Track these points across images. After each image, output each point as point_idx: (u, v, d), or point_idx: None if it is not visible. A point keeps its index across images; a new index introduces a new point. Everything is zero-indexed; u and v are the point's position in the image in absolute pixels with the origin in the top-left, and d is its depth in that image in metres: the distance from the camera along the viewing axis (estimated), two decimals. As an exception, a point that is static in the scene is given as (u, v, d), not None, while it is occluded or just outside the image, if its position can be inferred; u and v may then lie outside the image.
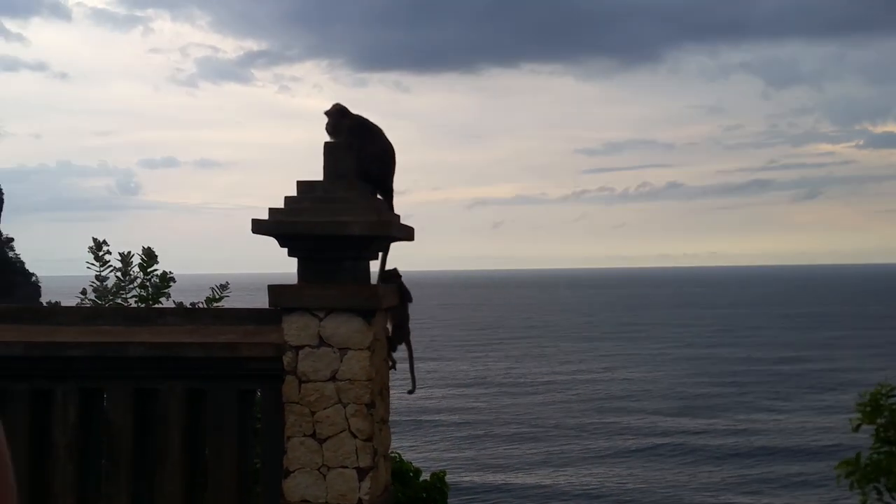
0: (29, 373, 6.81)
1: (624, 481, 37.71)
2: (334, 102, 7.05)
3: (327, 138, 6.81)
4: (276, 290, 6.58)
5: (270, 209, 6.51)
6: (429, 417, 52.41)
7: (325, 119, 6.90)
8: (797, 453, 42.78)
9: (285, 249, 6.68)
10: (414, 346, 7.36)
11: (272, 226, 6.44)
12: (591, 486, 36.88)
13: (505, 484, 37.20)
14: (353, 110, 6.98)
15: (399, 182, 7.16)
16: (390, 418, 7.38)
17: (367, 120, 7.01)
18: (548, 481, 37.68)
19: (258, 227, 6.44)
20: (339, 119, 6.90)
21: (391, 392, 7.31)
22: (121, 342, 6.69)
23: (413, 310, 7.41)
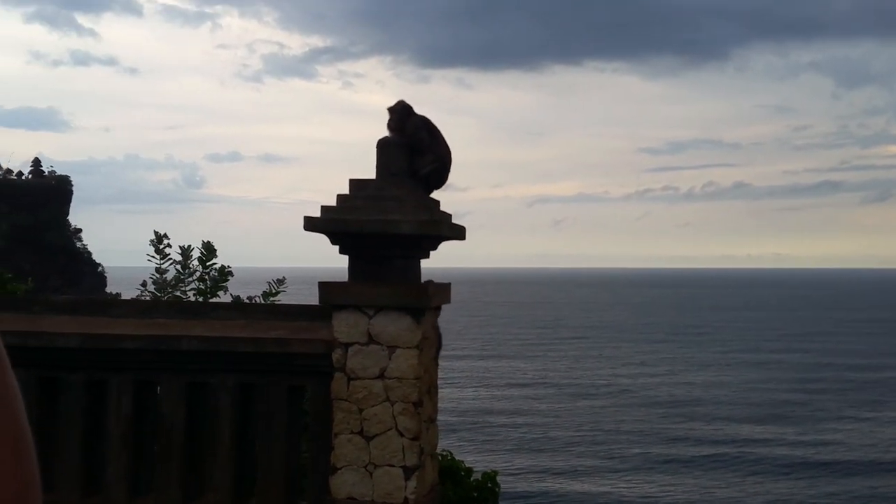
0: (85, 364, 6.94)
1: (688, 490, 36.74)
2: (398, 99, 7.05)
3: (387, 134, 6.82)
4: (326, 287, 6.61)
5: (322, 207, 6.54)
6: (485, 418, 51.69)
7: (388, 115, 6.92)
8: (870, 466, 40.83)
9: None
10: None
11: (323, 223, 6.47)
12: (652, 495, 35.94)
13: (560, 489, 36.64)
14: (416, 106, 6.98)
15: (460, 179, 7.19)
16: (440, 417, 7.38)
17: (429, 120, 7.02)
18: (606, 488, 36.94)
19: (310, 224, 6.48)
20: (404, 117, 6.90)
21: (440, 391, 7.31)
22: (174, 335, 6.79)
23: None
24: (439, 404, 7.47)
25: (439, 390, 7.45)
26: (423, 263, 6.92)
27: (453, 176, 7.15)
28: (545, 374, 72.83)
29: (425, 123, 6.90)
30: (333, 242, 6.62)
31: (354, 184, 6.63)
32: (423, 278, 6.86)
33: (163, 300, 9.41)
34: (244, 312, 7.15)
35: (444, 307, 7.29)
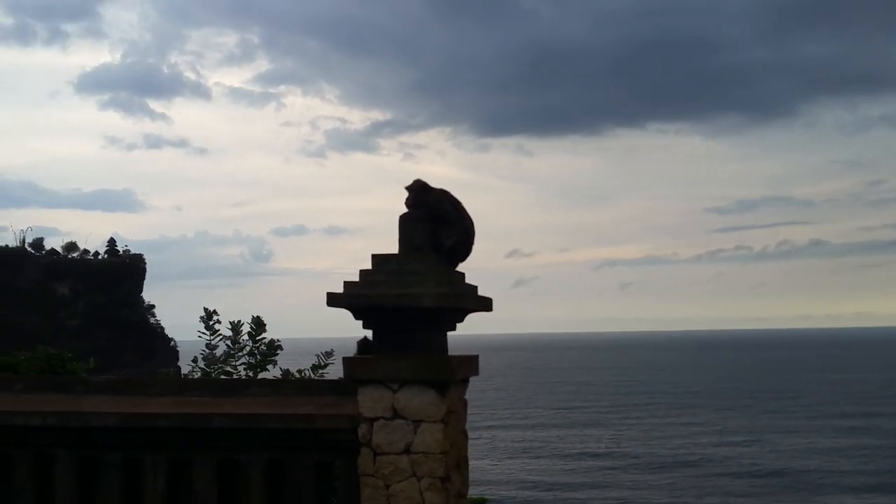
0: (121, 443, 7.08)
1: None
2: (416, 178, 7.16)
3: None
4: (350, 363, 6.68)
5: (345, 282, 6.64)
6: (564, 494, 49.51)
7: (406, 194, 7.04)
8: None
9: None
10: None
11: (345, 299, 6.56)
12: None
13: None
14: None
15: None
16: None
17: (450, 193, 7.11)
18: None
19: (332, 300, 6.57)
20: (421, 194, 7.02)
21: (471, 463, 7.28)
22: (206, 413, 6.90)
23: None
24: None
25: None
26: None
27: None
28: (620, 442, 70.44)
29: (447, 196, 6.99)
30: (357, 317, 6.70)
31: (377, 259, 6.72)
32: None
33: (195, 378, 9.56)
34: (274, 389, 7.25)
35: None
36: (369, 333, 6.87)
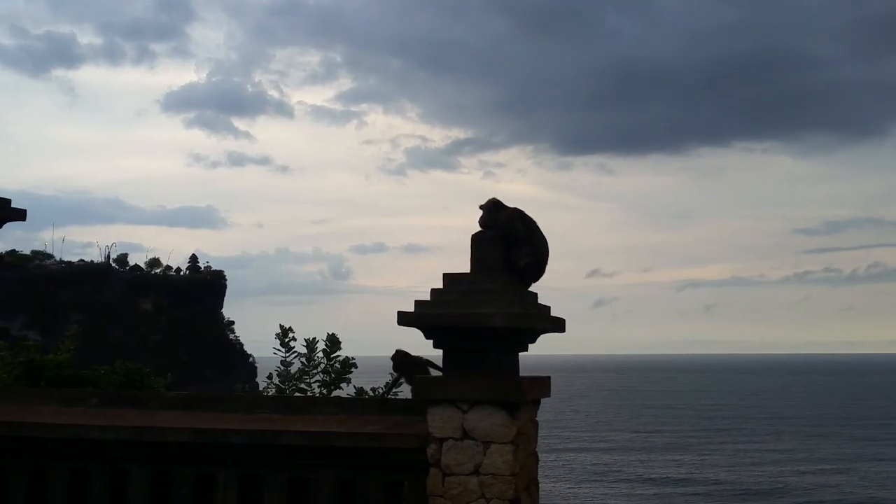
0: (194, 458, 7.13)
1: None
2: (490, 197, 7.11)
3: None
4: (420, 382, 6.63)
5: (416, 301, 6.60)
6: None
7: (480, 212, 6.98)
8: None
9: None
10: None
11: (416, 318, 6.53)
12: None
13: None
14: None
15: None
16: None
17: (523, 212, 7.03)
18: None
19: (403, 319, 6.54)
20: (493, 212, 6.96)
21: (542, 485, 7.15)
22: (276, 430, 6.91)
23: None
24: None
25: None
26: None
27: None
28: (702, 468, 68.55)
29: (520, 215, 6.91)
30: (427, 337, 6.65)
31: (448, 278, 6.67)
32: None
33: (267, 395, 9.61)
34: (344, 407, 7.23)
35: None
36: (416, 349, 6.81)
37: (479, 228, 6.85)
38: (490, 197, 7.01)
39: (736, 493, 57.37)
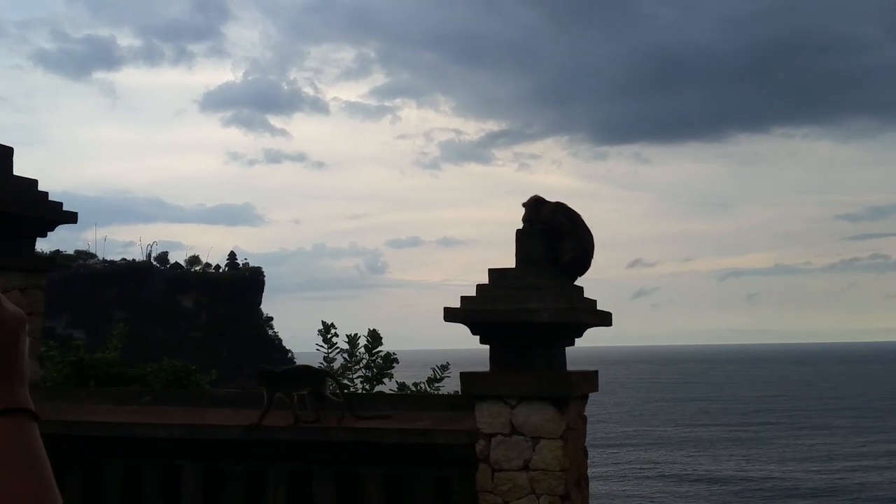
0: (244, 455, 7.21)
1: None
2: (532, 195, 7.11)
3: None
4: (468, 377, 6.65)
5: (462, 297, 6.62)
6: None
7: (523, 210, 7.00)
8: None
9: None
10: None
11: (462, 314, 6.55)
12: None
13: None
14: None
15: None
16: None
17: (566, 206, 7.03)
18: None
19: (450, 315, 6.56)
20: (535, 209, 6.97)
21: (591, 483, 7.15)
22: (324, 427, 6.97)
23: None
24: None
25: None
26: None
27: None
28: (751, 463, 67.30)
29: (563, 209, 6.91)
30: (474, 332, 6.67)
31: (494, 273, 6.69)
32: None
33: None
34: (391, 403, 7.27)
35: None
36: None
37: (517, 220, 6.87)
38: (528, 191, 7.05)
39: (786, 491, 56.31)
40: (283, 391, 7.22)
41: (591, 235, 7.04)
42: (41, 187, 7.81)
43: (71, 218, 7.89)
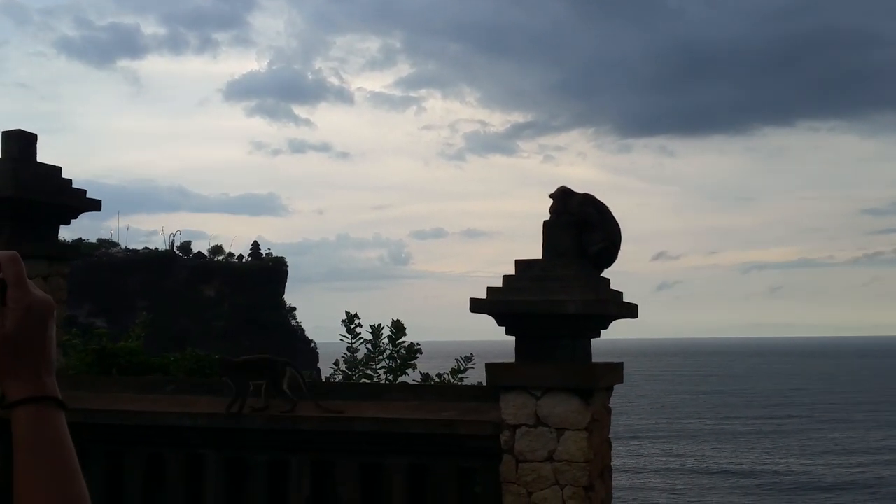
0: (268, 445, 7.19)
1: None
2: (560, 185, 7.04)
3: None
4: (493, 368, 6.59)
5: (489, 288, 6.56)
6: None
7: (551, 202, 6.93)
8: None
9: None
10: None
11: (489, 305, 6.49)
12: None
13: None
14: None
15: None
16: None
17: (595, 198, 6.96)
18: None
19: (476, 305, 6.50)
20: (563, 200, 6.89)
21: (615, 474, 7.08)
22: (348, 417, 6.93)
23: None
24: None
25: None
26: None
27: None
28: (774, 456, 66.84)
29: (591, 201, 6.84)
30: (500, 323, 6.61)
31: (520, 264, 6.62)
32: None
33: (338, 382, 9.65)
34: (415, 393, 7.23)
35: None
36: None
37: (541, 212, 6.80)
38: (551, 181, 6.98)
39: (810, 485, 55.79)
40: (244, 380, 7.26)
41: (619, 227, 6.97)
42: (64, 175, 7.80)
43: (94, 206, 7.88)
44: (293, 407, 7.09)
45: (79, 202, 7.80)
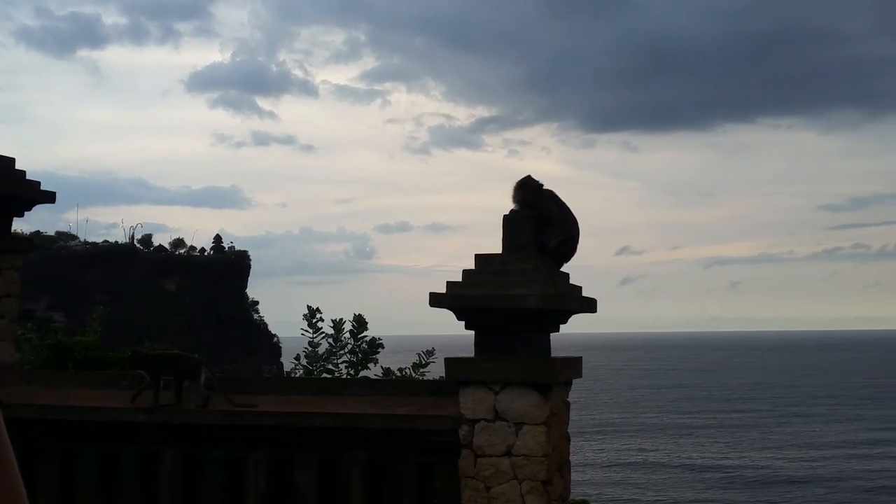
0: (225, 440, 7.12)
1: None
2: (526, 175, 7.02)
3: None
4: (452, 363, 6.57)
5: (448, 283, 6.53)
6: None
7: (514, 191, 6.91)
8: None
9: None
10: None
11: (448, 299, 6.46)
12: None
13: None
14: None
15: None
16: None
17: (555, 194, 6.97)
18: None
19: (435, 300, 6.47)
20: (530, 191, 6.87)
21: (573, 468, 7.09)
22: (307, 412, 6.89)
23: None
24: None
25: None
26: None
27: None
28: (735, 450, 67.19)
29: (552, 197, 6.85)
30: (459, 318, 6.59)
31: (480, 259, 6.60)
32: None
33: (298, 377, 9.60)
34: (375, 388, 7.20)
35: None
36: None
37: (506, 208, 6.78)
38: (517, 175, 6.94)
39: (769, 480, 56.10)
40: (157, 374, 7.28)
41: (577, 223, 6.99)
42: (20, 166, 7.67)
43: (48, 197, 7.75)
44: (206, 401, 7.13)
45: (32, 194, 7.68)
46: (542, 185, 6.95)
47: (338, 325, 11.26)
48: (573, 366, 6.90)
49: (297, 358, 11.36)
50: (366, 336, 11.27)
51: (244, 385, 7.67)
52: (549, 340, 6.80)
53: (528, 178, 6.96)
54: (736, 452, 66.21)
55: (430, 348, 11.70)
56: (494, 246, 6.69)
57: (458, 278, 6.53)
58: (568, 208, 6.93)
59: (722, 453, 65.56)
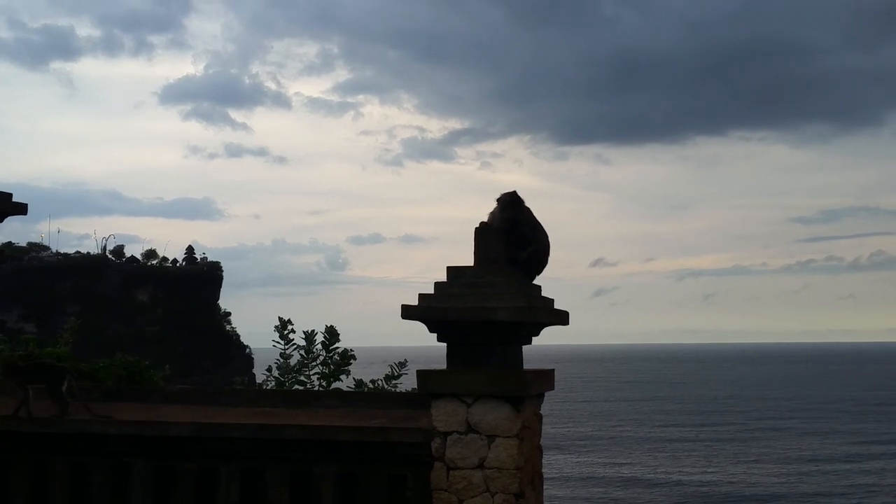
0: (196, 453, 7.07)
1: None
2: (510, 191, 7.02)
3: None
4: (424, 375, 6.58)
5: (420, 295, 6.55)
6: None
7: (496, 205, 6.94)
8: None
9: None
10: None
11: (420, 311, 6.47)
12: None
13: None
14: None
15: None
16: None
17: (528, 208, 7.01)
18: None
19: (407, 312, 6.48)
20: (509, 206, 6.89)
21: (546, 481, 7.11)
22: (278, 424, 6.86)
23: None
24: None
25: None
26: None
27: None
28: (711, 462, 67.33)
29: (530, 216, 6.91)
30: (431, 330, 6.61)
31: (452, 271, 6.62)
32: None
33: (269, 389, 9.55)
34: (347, 400, 7.19)
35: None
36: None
37: (479, 218, 6.81)
38: (490, 190, 7.02)
39: (745, 496, 55.92)
40: (24, 384, 7.29)
41: (547, 236, 7.04)
42: (-10, 178, 7.60)
43: (20, 209, 7.69)
44: (65, 409, 7.17)
45: (4, 206, 7.61)
46: (521, 199, 6.99)
47: (309, 336, 11.22)
48: (546, 378, 6.92)
49: (269, 369, 11.31)
50: (338, 347, 11.23)
51: (213, 396, 7.64)
52: (522, 352, 6.83)
53: (515, 194, 6.98)
54: (712, 466, 66.30)
55: (402, 360, 11.65)
56: (467, 258, 6.72)
57: (431, 290, 6.54)
58: (538, 222, 6.98)
59: (698, 467, 65.63)
